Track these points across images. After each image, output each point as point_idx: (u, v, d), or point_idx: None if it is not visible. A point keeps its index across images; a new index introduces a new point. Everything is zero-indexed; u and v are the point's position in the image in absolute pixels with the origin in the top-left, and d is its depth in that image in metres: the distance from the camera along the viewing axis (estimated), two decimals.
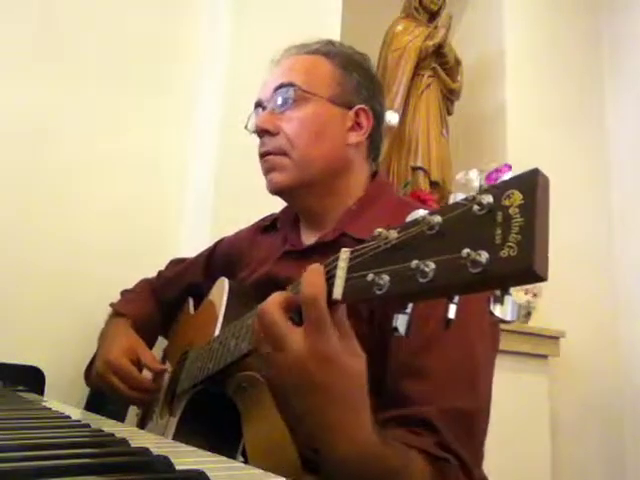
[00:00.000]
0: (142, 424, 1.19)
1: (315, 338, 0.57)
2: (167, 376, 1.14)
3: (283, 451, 0.80)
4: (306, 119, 0.98)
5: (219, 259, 1.24)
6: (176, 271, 1.33)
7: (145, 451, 0.46)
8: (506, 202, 0.42)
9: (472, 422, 0.80)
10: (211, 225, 1.63)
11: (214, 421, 0.90)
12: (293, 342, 0.58)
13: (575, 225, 2.55)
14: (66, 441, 0.51)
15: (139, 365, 1.11)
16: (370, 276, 0.50)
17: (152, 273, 1.39)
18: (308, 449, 0.64)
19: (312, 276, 0.58)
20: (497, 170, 2.21)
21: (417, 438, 0.74)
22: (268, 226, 1.17)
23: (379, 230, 0.51)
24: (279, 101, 0.99)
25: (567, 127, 2.79)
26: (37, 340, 1.50)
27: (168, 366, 1.17)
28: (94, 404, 1.38)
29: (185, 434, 0.91)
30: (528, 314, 2.25)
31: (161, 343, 1.35)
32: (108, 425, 0.68)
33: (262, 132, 1.00)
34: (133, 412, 1.27)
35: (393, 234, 0.50)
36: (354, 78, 1.02)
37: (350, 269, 0.54)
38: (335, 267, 0.55)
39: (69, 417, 0.71)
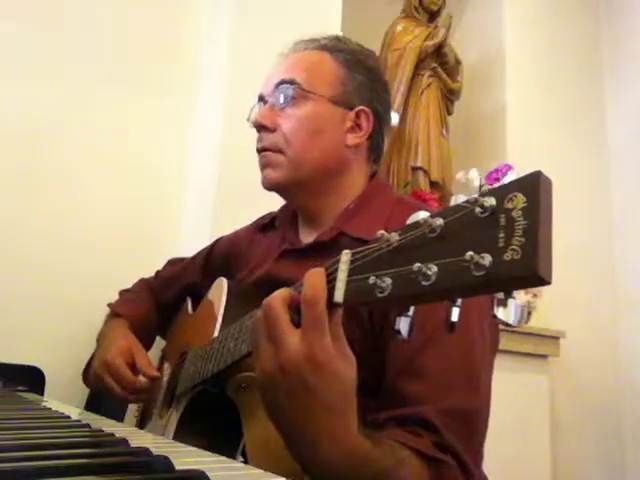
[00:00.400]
0: (142, 424, 1.19)
1: (311, 342, 0.57)
2: (166, 377, 1.14)
3: (283, 451, 0.80)
4: (304, 118, 0.98)
5: (217, 259, 1.24)
6: (174, 271, 1.33)
7: (145, 451, 0.46)
8: (509, 205, 0.41)
9: (471, 422, 0.80)
10: (211, 225, 1.63)
11: (214, 421, 0.90)
12: (290, 343, 0.58)
13: (575, 225, 2.55)
14: (66, 441, 0.51)
15: (134, 367, 1.11)
16: (372, 279, 0.49)
17: (152, 273, 1.39)
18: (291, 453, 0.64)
19: (313, 278, 0.58)
20: (497, 170, 2.22)
21: (415, 439, 0.74)
22: (267, 224, 1.16)
23: (380, 232, 0.51)
24: (279, 98, 0.99)
25: (567, 127, 2.79)
26: (37, 340, 1.50)
27: (166, 368, 1.17)
28: (94, 404, 1.38)
29: (185, 434, 0.91)
30: (528, 314, 2.24)
31: (160, 343, 1.35)
32: (108, 425, 0.68)
33: (260, 127, 1.00)
34: (132, 412, 1.27)
35: (394, 236, 0.49)
36: (357, 78, 1.01)
37: (351, 271, 0.53)
38: (336, 270, 0.55)
39: (69, 417, 0.71)
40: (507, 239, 0.40)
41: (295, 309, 0.60)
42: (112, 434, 0.56)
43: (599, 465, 2.57)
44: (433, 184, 2.44)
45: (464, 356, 0.82)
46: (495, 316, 0.43)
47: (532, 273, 0.39)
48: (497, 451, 1.04)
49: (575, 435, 2.50)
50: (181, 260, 1.35)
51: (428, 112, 2.50)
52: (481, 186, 2.26)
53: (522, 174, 0.42)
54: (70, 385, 1.42)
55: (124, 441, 0.52)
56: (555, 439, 2.32)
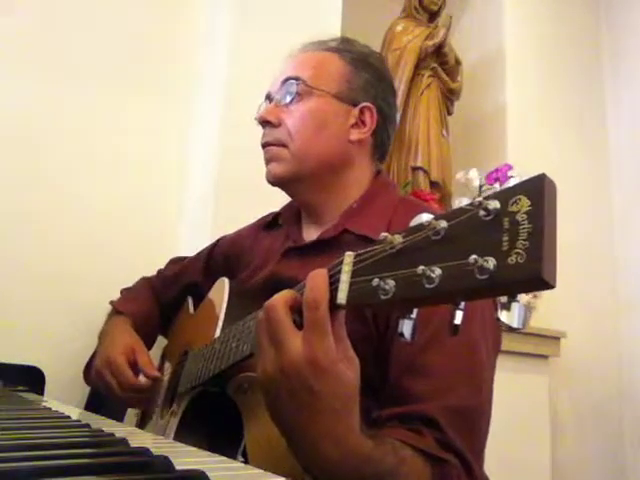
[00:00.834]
0: (142, 424, 1.18)
1: (313, 344, 0.57)
2: (167, 376, 1.14)
3: (284, 451, 0.80)
4: (308, 113, 0.99)
5: (219, 258, 1.24)
6: (175, 270, 1.33)
7: (145, 451, 0.46)
8: (513, 208, 0.41)
9: (474, 420, 0.80)
10: (211, 225, 1.63)
11: (215, 421, 0.90)
12: (292, 345, 0.58)
13: (575, 225, 2.55)
14: (66, 441, 0.51)
15: (136, 366, 1.11)
16: (375, 281, 0.49)
17: (152, 273, 1.39)
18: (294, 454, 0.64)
19: (315, 280, 0.57)
20: (497, 170, 2.21)
21: (417, 437, 0.74)
22: (270, 223, 1.17)
23: (384, 234, 0.50)
24: (285, 94, 1.01)
25: (567, 127, 2.79)
26: (37, 340, 1.50)
27: (167, 368, 1.17)
28: (94, 404, 1.38)
29: (185, 434, 0.91)
30: (529, 313, 2.24)
31: (161, 342, 1.35)
32: (108, 425, 0.68)
33: (264, 123, 1.02)
34: (132, 412, 1.27)
35: (398, 239, 0.49)
36: (363, 76, 1.02)
37: (354, 273, 0.53)
38: (339, 271, 0.55)
39: (69, 417, 0.71)
40: (511, 242, 0.40)
41: (297, 311, 0.60)
42: (112, 434, 0.56)
43: (599, 465, 2.57)
44: (433, 184, 2.44)
45: (467, 355, 0.82)
46: (498, 319, 0.43)
47: (536, 277, 0.39)
48: (497, 451, 1.04)
49: (575, 435, 2.50)
50: (183, 259, 1.36)
51: (428, 112, 2.50)
52: (481, 186, 2.26)
53: (522, 174, 0.42)
54: (70, 385, 1.42)
55: (124, 441, 0.51)
56: (555, 439, 2.32)
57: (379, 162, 1.08)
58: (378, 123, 1.02)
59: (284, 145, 0.99)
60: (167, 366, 1.19)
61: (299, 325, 0.59)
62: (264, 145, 1.02)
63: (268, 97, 1.05)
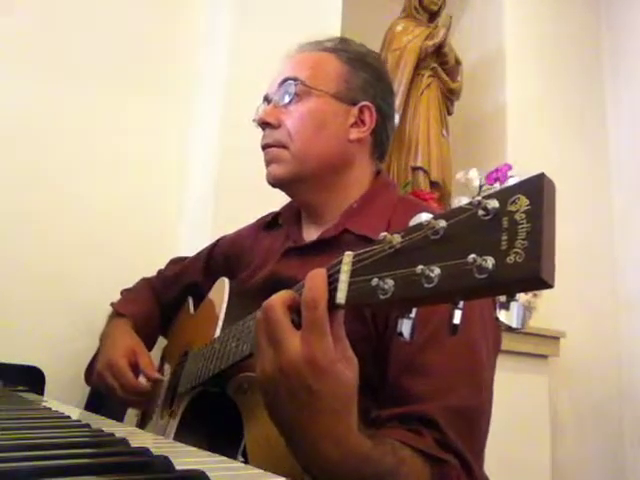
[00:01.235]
0: (142, 424, 1.18)
1: (311, 344, 0.57)
2: (167, 376, 1.14)
3: (284, 451, 0.80)
4: (307, 113, 0.99)
5: (219, 258, 1.24)
6: (176, 270, 1.33)
7: (145, 451, 0.46)
8: (512, 207, 0.41)
9: (474, 420, 0.80)
10: (211, 225, 1.63)
11: (215, 421, 0.90)
12: (290, 345, 0.58)
13: (575, 225, 2.55)
14: (66, 441, 0.51)
15: (137, 368, 1.12)
16: (374, 280, 0.49)
17: (152, 273, 1.39)
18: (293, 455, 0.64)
19: (314, 281, 0.57)
20: (497, 170, 2.21)
21: (417, 437, 0.74)
22: (270, 223, 1.17)
23: (383, 234, 0.51)
24: (283, 95, 1.01)
25: (567, 127, 2.79)
26: (37, 340, 1.50)
27: (167, 368, 1.17)
28: (94, 404, 1.38)
29: (185, 434, 0.91)
30: (528, 313, 2.24)
31: (161, 343, 1.35)
32: (108, 425, 0.68)
33: (264, 124, 1.01)
34: (132, 412, 1.27)
35: (397, 238, 0.49)
36: (361, 76, 1.02)
37: (353, 273, 0.53)
38: (338, 271, 0.55)
39: (69, 417, 0.71)
40: (510, 242, 0.40)
41: (296, 311, 0.60)
42: (112, 434, 0.56)
43: (599, 465, 2.57)
44: (433, 184, 2.44)
45: (467, 355, 0.82)
46: (497, 319, 0.43)
47: (535, 276, 0.39)
48: (497, 451, 1.04)
49: (575, 435, 2.50)
50: (183, 259, 1.36)
51: (428, 112, 2.50)
52: (481, 186, 2.26)
53: (522, 174, 0.42)
54: (70, 385, 1.42)
55: (124, 441, 0.51)
56: (555, 439, 2.32)
57: (379, 161, 1.07)
58: (377, 122, 1.02)
59: (284, 146, 0.99)
60: (167, 366, 1.19)
61: (297, 325, 0.59)
62: (264, 147, 1.02)
63: (266, 98, 1.05)
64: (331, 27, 1.83)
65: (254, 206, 1.22)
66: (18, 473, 0.38)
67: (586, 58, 2.98)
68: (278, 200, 1.09)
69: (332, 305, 0.55)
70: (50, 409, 0.80)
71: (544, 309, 2.15)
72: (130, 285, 1.38)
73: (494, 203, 0.42)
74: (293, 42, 1.07)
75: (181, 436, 0.90)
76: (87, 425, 0.62)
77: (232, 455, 0.83)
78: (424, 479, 0.72)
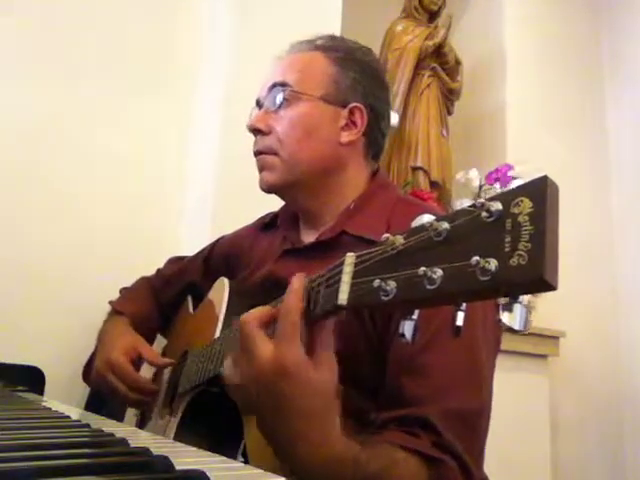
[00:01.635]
0: (142, 424, 1.18)
1: (282, 350, 0.59)
2: (166, 376, 1.14)
3: None
4: (296, 119, 0.98)
5: (218, 258, 1.24)
6: (174, 270, 1.33)
7: (145, 451, 0.46)
8: (515, 210, 0.41)
9: (473, 423, 0.80)
10: (211, 225, 1.63)
11: (214, 422, 0.90)
12: (262, 353, 0.60)
13: (575, 225, 2.55)
14: (66, 441, 0.51)
15: (140, 363, 1.11)
16: (376, 282, 0.49)
17: (152, 273, 1.39)
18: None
19: (290, 294, 0.60)
20: (497, 170, 2.22)
21: (414, 439, 0.74)
22: (268, 224, 1.17)
23: (385, 235, 0.51)
24: (273, 101, 1.00)
25: (567, 127, 2.79)
26: (37, 340, 1.50)
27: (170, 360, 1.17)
28: (94, 404, 1.38)
29: (185, 434, 0.91)
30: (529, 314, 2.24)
31: (160, 342, 1.35)
32: (108, 425, 0.68)
33: (255, 131, 1.01)
34: (132, 412, 1.26)
35: (399, 240, 0.49)
36: (350, 75, 1.01)
37: (356, 274, 0.53)
38: (340, 272, 0.55)
39: (69, 417, 0.71)
40: (513, 244, 0.40)
41: (272, 324, 0.63)
42: (112, 434, 0.56)
43: (599, 465, 2.57)
44: (433, 184, 2.44)
45: (467, 357, 0.82)
46: (500, 321, 0.43)
47: (538, 278, 0.39)
48: (497, 451, 1.04)
49: (575, 435, 2.50)
50: (182, 259, 1.36)
51: (428, 112, 2.50)
52: (481, 186, 2.26)
53: (522, 174, 0.42)
54: (70, 385, 1.42)
55: (124, 441, 0.51)
56: (555, 439, 2.32)
57: (374, 161, 1.07)
58: (370, 121, 1.01)
59: (275, 153, 0.99)
60: (170, 360, 1.18)
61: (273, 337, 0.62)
62: (256, 153, 1.02)
63: (258, 103, 1.05)
64: (331, 27, 1.83)
65: (254, 206, 1.22)
66: (18, 473, 0.38)
67: (586, 58, 2.98)
68: (278, 200, 1.09)
69: (334, 306, 0.55)
70: (50, 409, 0.80)
71: (544, 309, 2.14)
72: (130, 285, 1.38)
73: (497, 205, 0.42)
74: (293, 42, 1.07)
75: (181, 436, 0.90)
76: (87, 425, 0.62)
77: (232, 455, 0.83)
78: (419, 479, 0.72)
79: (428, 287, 0.45)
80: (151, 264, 1.40)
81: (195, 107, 1.86)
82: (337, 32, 1.84)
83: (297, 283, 0.61)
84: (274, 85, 1.01)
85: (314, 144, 0.99)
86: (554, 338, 2.33)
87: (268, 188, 1.02)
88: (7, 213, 1.54)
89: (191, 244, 1.50)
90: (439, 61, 2.55)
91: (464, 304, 0.47)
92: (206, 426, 0.91)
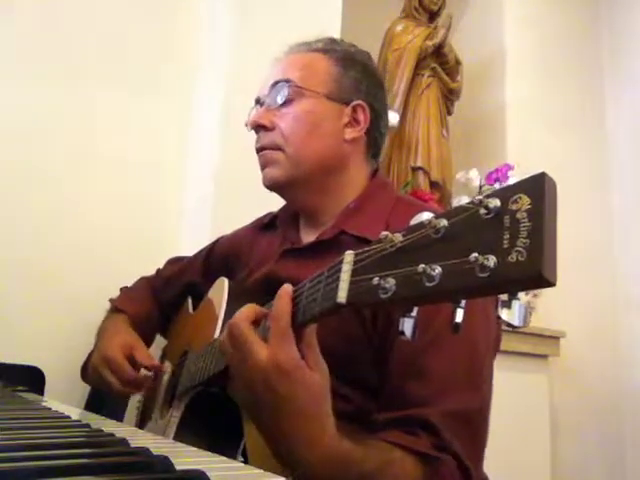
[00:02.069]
0: (142, 424, 1.18)
1: (276, 351, 0.61)
2: (166, 376, 1.14)
3: None
4: (301, 115, 0.98)
5: (217, 258, 1.24)
6: (174, 270, 1.33)
7: (145, 451, 0.46)
8: (513, 206, 0.41)
9: (473, 423, 0.80)
10: (211, 225, 1.63)
11: (214, 421, 0.90)
12: (256, 353, 0.62)
13: (575, 225, 2.55)
14: (66, 441, 0.51)
15: (134, 362, 1.11)
16: (375, 280, 0.49)
17: (152, 273, 1.39)
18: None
19: (280, 299, 0.63)
20: (497, 170, 2.22)
21: (413, 439, 0.74)
22: (267, 224, 1.16)
23: (384, 233, 0.51)
24: (276, 97, 1.00)
25: (567, 127, 2.79)
26: (37, 340, 1.50)
27: (167, 365, 1.17)
28: (94, 404, 1.38)
29: (185, 434, 0.91)
30: (529, 314, 2.24)
31: (160, 342, 1.35)
32: (108, 425, 0.68)
33: (258, 127, 1.01)
34: (132, 412, 1.27)
35: (398, 237, 0.49)
36: (352, 75, 1.02)
37: (355, 272, 0.54)
38: (339, 270, 0.55)
39: (69, 417, 0.71)
40: (512, 241, 0.41)
41: (263, 322, 0.65)
42: (112, 434, 0.56)
43: (599, 465, 2.57)
44: (433, 184, 2.44)
45: (467, 357, 0.82)
46: (499, 317, 0.43)
47: (537, 275, 0.39)
48: (497, 451, 1.04)
49: (575, 435, 2.50)
50: (181, 259, 1.36)
51: (428, 112, 2.50)
52: (481, 186, 2.26)
53: (522, 174, 0.42)
54: (70, 385, 1.42)
55: (124, 441, 0.51)
56: (555, 439, 2.32)
57: (374, 160, 1.07)
58: (371, 120, 1.02)
59: (279, 148, 0.99)
60: (167, 365, 1.19)
61: (265, 339, 0.64)
62: (259, 149, 1.02)
63: (258, 101, 1.05)
64: (331, 27, 1.83)
65: (254, 206, 1.22)
66: (18, 473, 0.38)
67: (586, 58, 2.98)
68: (278, 200, 1.09)
69: (333, 304, 0.55)
70: (50, 409, 0.80)
71: (544, 309, 2.15)
72: (130, 285, 1.38)
73: (495, 202, 0.43)
74: (293, 42, 1.07)
75: (181, 436, 0.90)
76: (87, 425, 0.62)
77: (232, 455, 0.83)
78: (415, 478, 0.72)
79: (427, 284, 0.45)
80: (151, 264, 1.40)
81: (195, 107, 1.86)
82: (337, 32, 1.84)
83: (286, 289, 0.63)
84: (277, 82, 1.01)
85: (319, 140, 0.99)
86: (554, 338, 2.33)
87: (272, 184, 1.01)
88: (7, 213, 1.54)
89: (191, 244, 1.50)
90: (439, 61, 2.55)
91: (463, 301, 0.47)
92: (206, 426, 0.91)
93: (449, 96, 2.59)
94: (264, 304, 0.68)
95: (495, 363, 0.90)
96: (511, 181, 2.08)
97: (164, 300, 1.32)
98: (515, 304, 0.43)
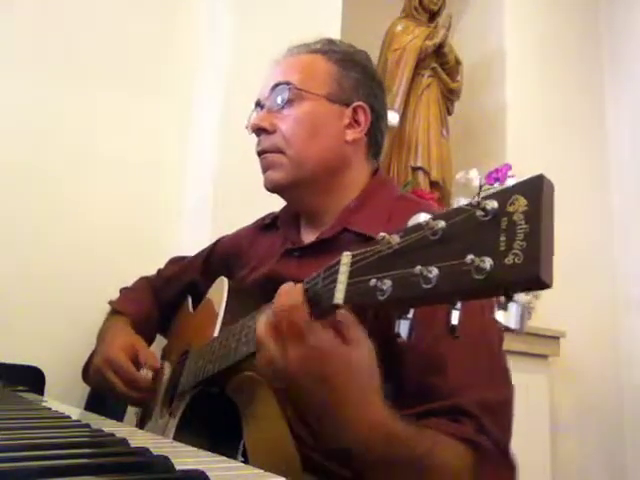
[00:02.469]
0: (142, 424, 1.18)
1: (309, 339, 0.59)
2: (166, 376, 1.14)
3: (283, 451, 0.80)
4: (302, 117, 0.98)
5: (218, 258, 1.24)
6: (175, 270, 1.33)
7: (145, 451, 0.46)
8: (510, 208, 0.41)
9: (506, 414, 0.81)
10: (211, 225, 1.63)
11: (214, 421, 0.90)
12: (312, 335, 0.60)
13: (575, 225, 2.55)
14: (66, 441, 0.51)
15: (137, 363, 1.11)
16: (372, 281, 0.50)
17: (152, 273, 1.39)
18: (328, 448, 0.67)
19: (281, 293, 0.62)
20: (497, 170, 2.21)
21: (457, 426, 0.74)
22: (268, 225, 1.17)
23: (382, 234, 0.51)
24: (276, 100, 1.00)
25: (567, 127, 2.79)
26: (37, 340, 1.50)
27: (167, 367, 1.17)
28: (94, 404, 1.38)
29: (185, 434, 0.91)
30: (528, 314, 2.24)
31: (160, 342, 1.35)
32: (108, 425, 0.68)
33: (259, 130, 1.01)
34: (132, 412, 1.26)
35: (395, 238, 0.49)
36: (352, 76, 1.02)
37: (352, 273, 0.54)
38: (337, 271, 0.55)
39: (69, 417, 0.71)
40: (508, 243, 0.40)
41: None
42: (112, 434, 0.56)
43: (599, 465, 2.57)
44: (433, 184, 2.44)
45: (487, 350, 0.83)
46: (496, 320, 0.43)
47: (534, 277, 0.39)
48: None
49: (575, 435, 2.50)
50: (182, 259, 1.36)
51: (428, 112, 2.50)
52: (481, 186, 2.26)
53: (522, 174, 0.42)
54: (70, 385, 1.41)
55: (124, 441, 0.51)
56: (555, 439, 2.31)
57: (375, 160, 1.07)
58: (371, 121, 1.02)
59: (281, 151, 0.99)
60: (167, 365, 1.19)
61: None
62: (260, 153, 1.01)
63: (258, 104, 1.05)
64: (331, 27, 1.83)
65: (253, 206, 1.22)
66: (18, 473, 0.38)
67: (586, 58, 2.98)
68: (278, 200, 1.09)
69: (330, 306, 0.55)
70: (50, 409, 0.80)
71: (544, 309, 2.15)
72: (130, 285, 1.38)
73: (493, 204, 0.42)
74: (293, 42, 1.07)
75: (181, 436, 0.90)
76: (87, 425, 0.62)
77: (232, 455, 0.82)
78: (463, 463, 0.72)
79: (424, 286, 0.45)
80: (151, 264, 1.40)
81: (195, 107, 1.86)
82: (337, 32, 1.84)
83: (288, 285, 0.62)
84: (277, 85, 1.01)
85: (320, 142, 0.99)
86: (554, 338, 2.33)
87: (274, 187, 1.01)
88: (7, 213, 1.54)
89: (191, 244, 1.50)
90: (439, 61, 2.55)
91: (459, 303, 0.47)
92: (206, 426, 0.91)
93: (449, 96, 2.59)
94: (267, 302, 0.67)
95: None
96: (510, 181, 2.08)
97: (164, 299, 1.32)
98: (512, 307, 0.43)
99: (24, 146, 1.60)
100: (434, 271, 0.44)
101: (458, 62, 2.60)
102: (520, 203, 0.41)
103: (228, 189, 1.67)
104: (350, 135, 1.00)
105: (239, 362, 0.78)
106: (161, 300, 1.32)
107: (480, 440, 0.74)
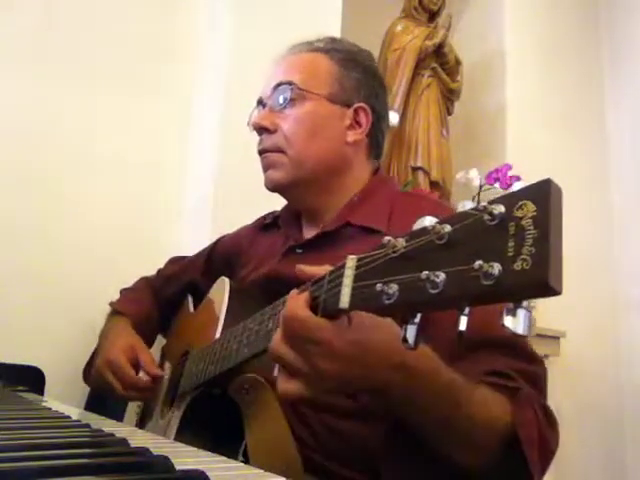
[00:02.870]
0: (142, 424, 1.18)
1: (326, 331, 0.59)
2: (167, 376, 1.14)
3: (284, 451, 0.80)
4: (303, 117, 0.99)
5: (219, 258, 1.24)
6: (175, 270, 1.33)
7: (145, 451, 0.46)
8: (518, 213, 0.41)
9: (544, 386, 0.86)
10: (211, 225, 1.63)
11: (215, 422, 0.90)
12: (320, 332, 0.59)
13: (575, 225, 2.52)
14: (66, 441, 0.51)
15: (137, 365, 1.11)
16: (379, 285, 0.49)
17: (152, 273, 1.39)
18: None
19: (293, 300, 0.61)
20: (497, 170, 2.21)
21: (504, 380, 0.75)
22: (269, 224, 1.17)
23: (387, 238, 0.50)
24: (278, 99, 1.00)
25: (567, 127, 2.78)
26: (37, 340, 1.50)
27: (167, 367, 1.17)
28: (94, 404, 1.38)
29: (186, 434, 0.90)
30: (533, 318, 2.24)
31: (160, 342, 1.35)
32: (108, 425, 0.68)
33: (260, 129, 1.01)
34: (132, 412, 1.26)
35: (401, 242, 0.49)
36: (354, 76, 1.02)
37: (357, 277, 0.53)
38: (342, 275, 0.55)
39: (69, 417, 0.71)
40: (517, 248, 0.40)
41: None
42: (112, 434, 0.56)
43: (599, 464, 2.57)
44: (433, 184, 2.44)
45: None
46: (504, 325, 0.42)
47: (543, 284, 0.38)
48: None
49: (575, 434, 2.50)
50: (182, 258, 1.36)
51: (428, 112, 2.50)
52: (481, 186, 2.26)
53: (522, 174, 0.42)
54: (70, 385, 1.41)
55: (124, 441, 0.51)
56: None
57: (375, 160, 1.07)
58: (372, 122, 1.02)
59: (282, 151, 0.99)
60: (167, 366, 1.18)
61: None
62: (261, 152, 1.02)
63: (260, 102, 1.05)
64: (331, 27, 1.83)
65: (254, 206, 1.22)
66: (18, 473, 0.38)
67: (586, 58, 2.98)
68: (278, 200, 1.09)
69: (335, 310, 0.55)
70: (50, 409, 0.80)
71: (544, 309, 2.14)
72: (130, 285, 1.38)
73: (500, 208, 0.42)
74: (293, 42, 1.07)
75: (181, 436, 0.90)
76: (87, 425, 0.62)
77: (233, 455, 0.82)
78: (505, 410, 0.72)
79: (431, 291, 0.44)
80: (151, 264, 1.40)
81: (195, 107, 1.86)
82: (337, 32, 1.84)
83: (294, 292, 0.62)
84: (279, 84, 1.00)
85: (321, 142, 0.99)
86: (554, 338, 2.33)
87: (274, 187, 1.02)
88: (7, 213, 1.54)
89: (191, 244, 1.50)
90: (439, 61, 2.55)
91: (467, 309, 0.46)
92: (207, 427, 0.91)
93: (449, 96, 2.59)
94: (269, 302, 0.66)
95: None
96: (515, 185, 2.07)
97: (164, 300, 1.32)
98: (520, 312, 0.42)
99: (24, 146, 1.60)
100: (441, 276, 0.44)
101: (458, 62, 2.59)
102: (528, 208, 0.40)
103: (228, 189, 1.67)
104: (351, 136, 1.00)
105: (240, 364, 0.78)
106: (161, 300, 1.32)
107: (523, 385, 0.76)
